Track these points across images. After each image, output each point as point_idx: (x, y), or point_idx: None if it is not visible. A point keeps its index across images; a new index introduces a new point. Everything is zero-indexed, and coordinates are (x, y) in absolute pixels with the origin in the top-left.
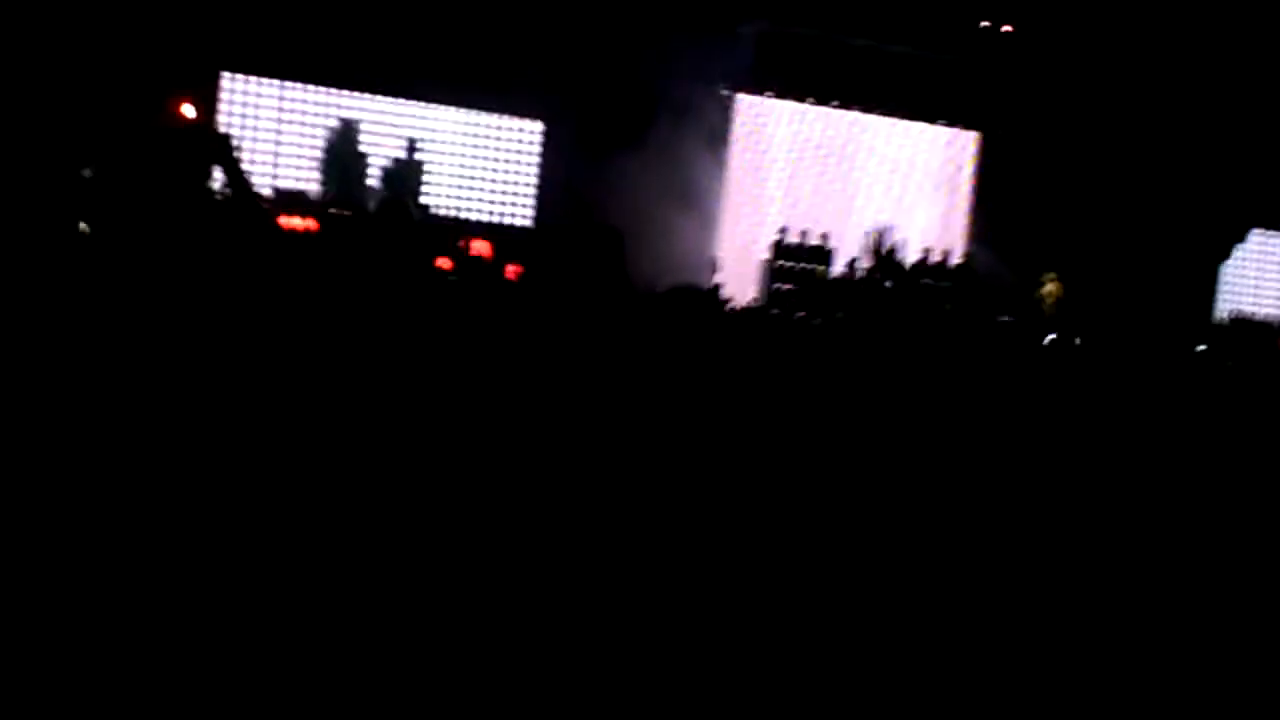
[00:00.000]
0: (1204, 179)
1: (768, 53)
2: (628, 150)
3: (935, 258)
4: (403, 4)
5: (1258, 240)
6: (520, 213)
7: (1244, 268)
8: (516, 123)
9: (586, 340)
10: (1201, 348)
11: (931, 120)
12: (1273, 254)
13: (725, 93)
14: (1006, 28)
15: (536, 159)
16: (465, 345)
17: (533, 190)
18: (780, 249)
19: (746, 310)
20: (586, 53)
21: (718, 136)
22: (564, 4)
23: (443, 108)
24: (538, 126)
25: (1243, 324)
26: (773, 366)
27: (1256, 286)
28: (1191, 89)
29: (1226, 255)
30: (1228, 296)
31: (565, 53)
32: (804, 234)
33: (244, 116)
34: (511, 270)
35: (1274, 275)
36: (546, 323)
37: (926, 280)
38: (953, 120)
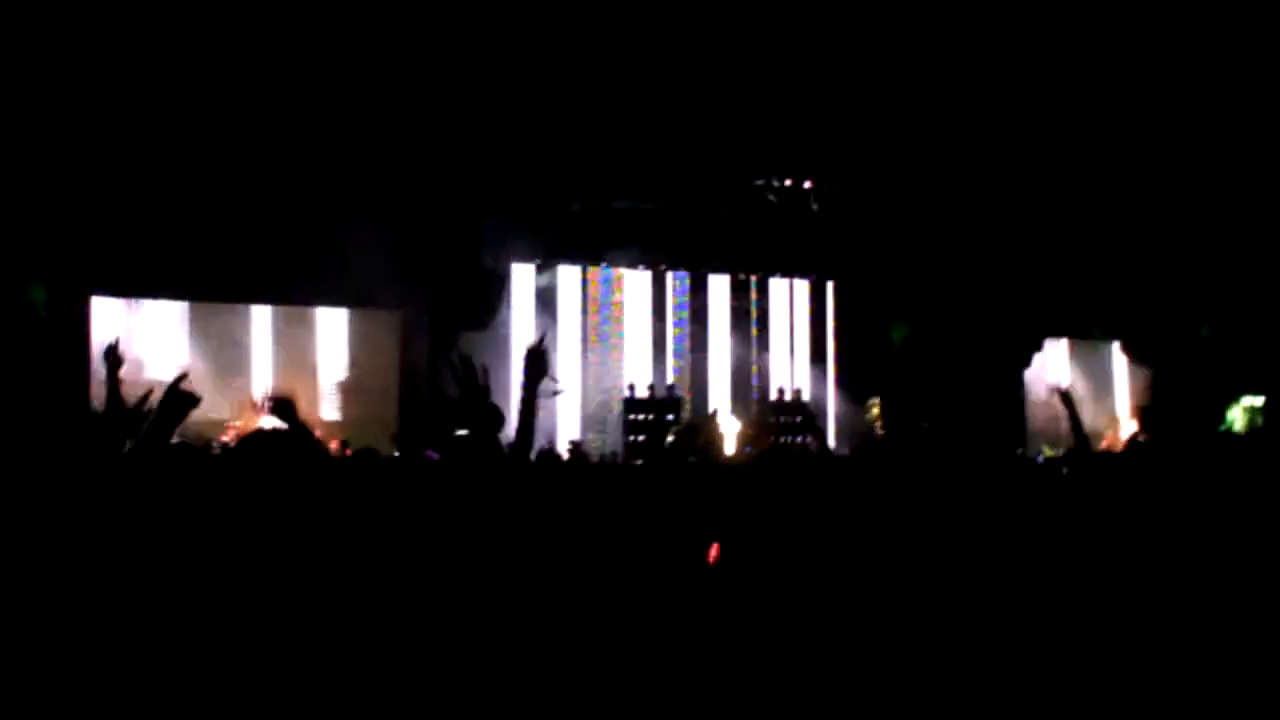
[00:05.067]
0: (1004, 302)
1: (595, 226)
2: (478, 328)
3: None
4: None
5: None
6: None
7: None
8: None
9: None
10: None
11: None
12: None
13: (563, 264)
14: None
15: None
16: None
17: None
18: (631, 403)
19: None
20: (433, 246)
21: (554, 305)
22: (410, 209)
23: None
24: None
25: None
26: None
27: None
28: (987, 229)
29: (1027, 363)
30: None
31: (414, 249)
32: (652, 387)
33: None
34: None
35: None
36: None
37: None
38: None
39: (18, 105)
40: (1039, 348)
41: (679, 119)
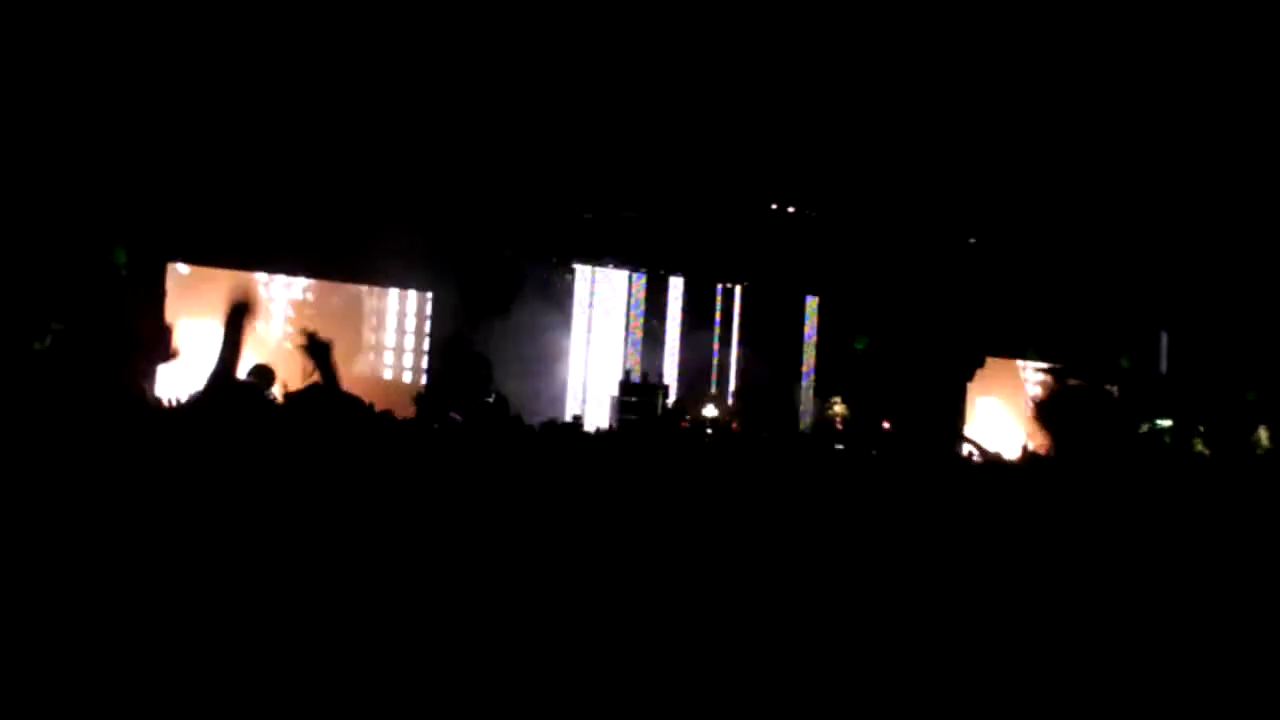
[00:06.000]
0: (947, 323)
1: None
2: (499, 314)
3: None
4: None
5: None
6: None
7: None
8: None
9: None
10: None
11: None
12: None
13: (578, 265)
14: (790, 209)
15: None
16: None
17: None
18: (625, 386)
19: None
20: (465, 237)
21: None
22: (444, 200)
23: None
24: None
25: None
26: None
27: None
28: (931, 255)
29: (970, 377)
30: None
31: (448, 237)
32: (644, 374)
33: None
34: None
35: None
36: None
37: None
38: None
39: (111, 82)
40: (981, 363)
41: (674, 143)
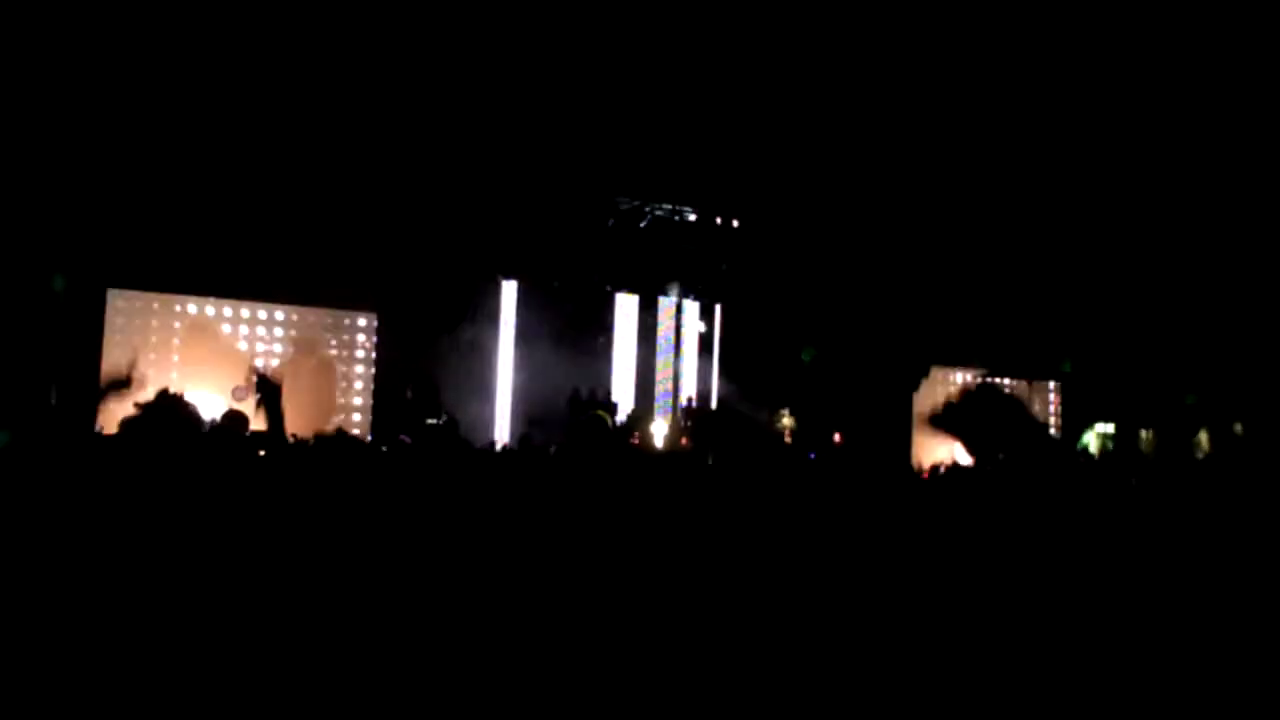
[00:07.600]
0: (894, 335)
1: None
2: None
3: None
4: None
5: None
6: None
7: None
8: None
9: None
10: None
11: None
12: None
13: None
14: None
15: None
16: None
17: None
18: (575, 402)
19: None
20: (406, 260)
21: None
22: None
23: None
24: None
25: None
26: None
27: None
28: (871, 271)
29: (916, 386)
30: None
31: (392, 261)
32: (593, 390)
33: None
34: None
35: None
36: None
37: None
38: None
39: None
40: (926, 373)
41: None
